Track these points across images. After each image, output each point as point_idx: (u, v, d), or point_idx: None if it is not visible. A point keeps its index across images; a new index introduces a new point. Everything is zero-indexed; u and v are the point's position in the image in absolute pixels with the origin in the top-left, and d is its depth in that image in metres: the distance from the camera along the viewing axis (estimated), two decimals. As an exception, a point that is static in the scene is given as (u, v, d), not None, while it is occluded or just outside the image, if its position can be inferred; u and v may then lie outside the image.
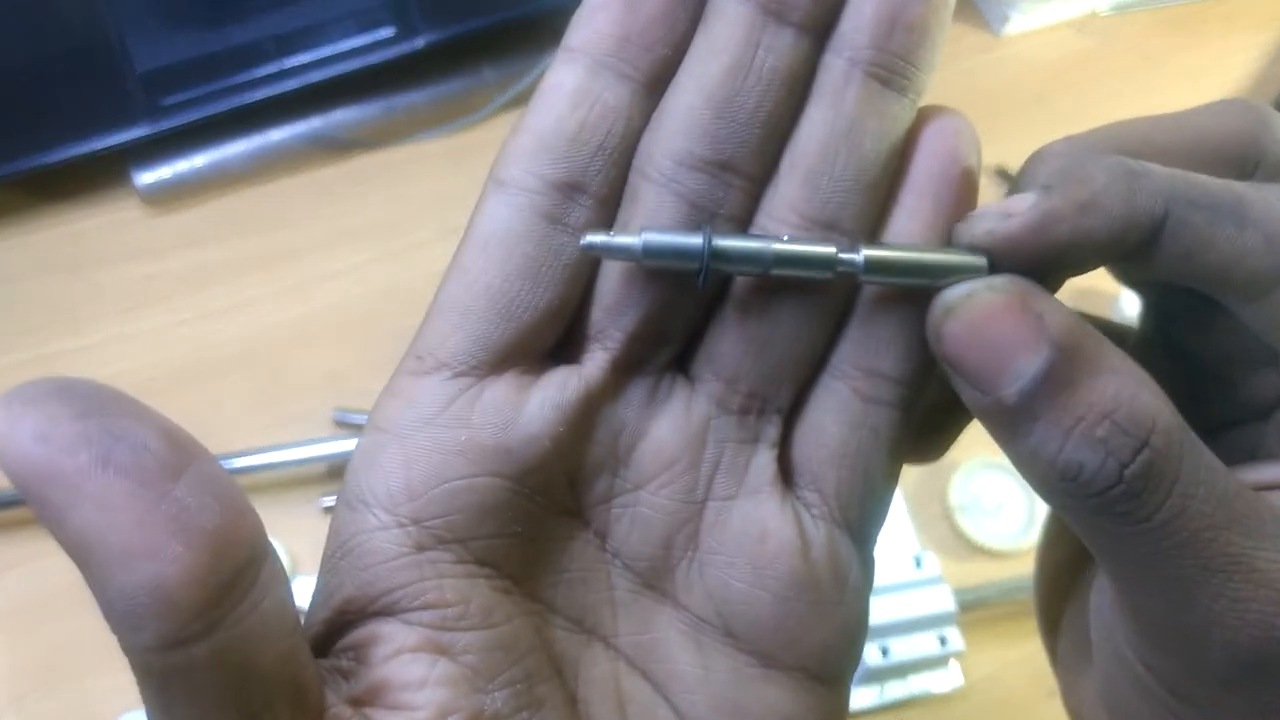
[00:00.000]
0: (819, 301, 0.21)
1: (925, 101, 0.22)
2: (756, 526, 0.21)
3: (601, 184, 0.21)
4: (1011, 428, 0.19)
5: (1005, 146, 0.64)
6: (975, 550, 0.51)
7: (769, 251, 0.20)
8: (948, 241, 0.21)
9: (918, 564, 0.46)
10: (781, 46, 0.20)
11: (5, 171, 0.56)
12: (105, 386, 0.16)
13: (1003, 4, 0.66)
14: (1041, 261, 0.20)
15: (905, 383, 0.22)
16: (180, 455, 0.15)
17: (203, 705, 0.16)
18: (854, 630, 0.22)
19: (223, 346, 0.55)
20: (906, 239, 0.21)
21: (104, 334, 0.55)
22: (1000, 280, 0.19)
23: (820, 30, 0.21)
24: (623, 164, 0.21)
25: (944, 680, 0.47)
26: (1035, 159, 0.21)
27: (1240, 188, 0.20)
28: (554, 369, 0.21)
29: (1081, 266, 0.20)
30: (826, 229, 0.21)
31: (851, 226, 0.21)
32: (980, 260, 0.20)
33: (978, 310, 0.19)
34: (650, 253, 0.20)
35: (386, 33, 0.59)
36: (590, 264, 0.21)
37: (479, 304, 0.20)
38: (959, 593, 0.46)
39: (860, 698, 0.46)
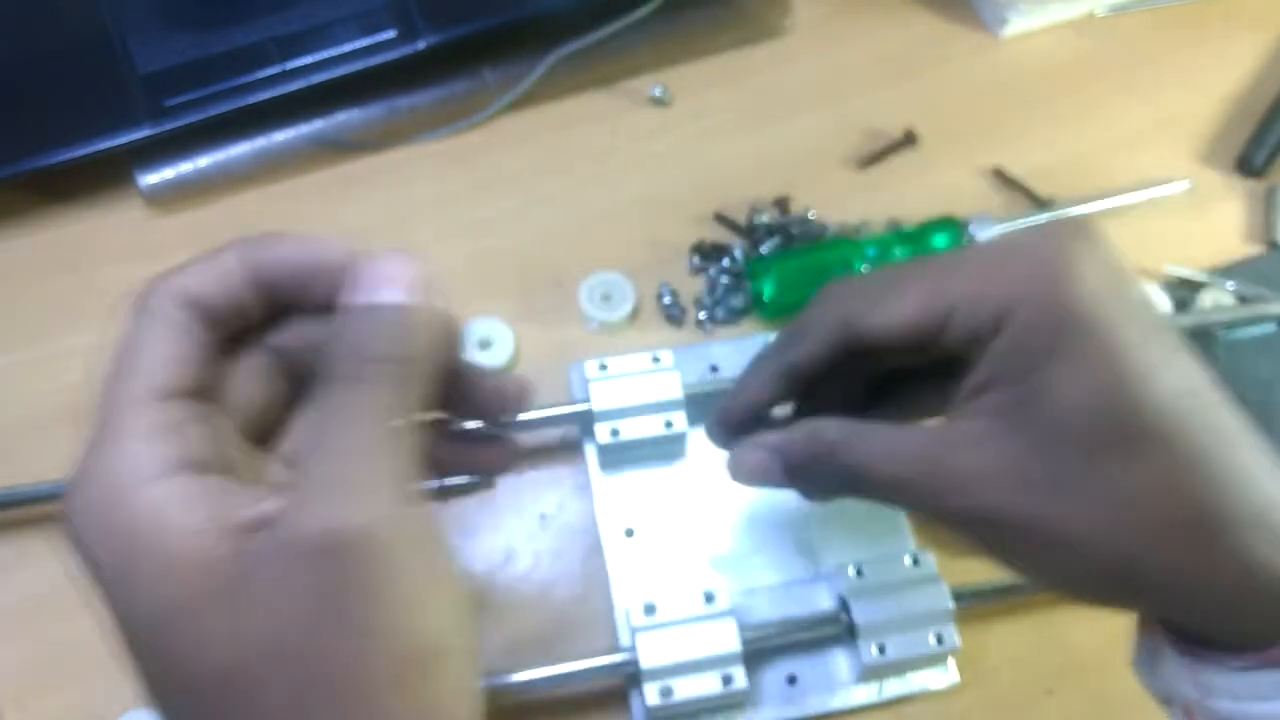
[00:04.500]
0: None
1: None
2: None
3: None
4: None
5: (1003, 148, 0.65)
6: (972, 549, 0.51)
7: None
8: None
9: (915, 562, 0.46)
10: None
11: (8, 172, 0.56)
12: None
13: (1001, 6, 0.66)
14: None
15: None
16: None
17: None
18: None
19: (225, 346, 0.55)
20: None
21: (107, 334, 0.55)
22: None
23: None
24: None
25: (941, 678, 0.47)
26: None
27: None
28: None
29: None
30: None
31: None
32: None
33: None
34: None
35: (388, 35, 0.60)
36: None
37: None
38: (956, 591, 0.46)
39: (858, 694, 0.47)
